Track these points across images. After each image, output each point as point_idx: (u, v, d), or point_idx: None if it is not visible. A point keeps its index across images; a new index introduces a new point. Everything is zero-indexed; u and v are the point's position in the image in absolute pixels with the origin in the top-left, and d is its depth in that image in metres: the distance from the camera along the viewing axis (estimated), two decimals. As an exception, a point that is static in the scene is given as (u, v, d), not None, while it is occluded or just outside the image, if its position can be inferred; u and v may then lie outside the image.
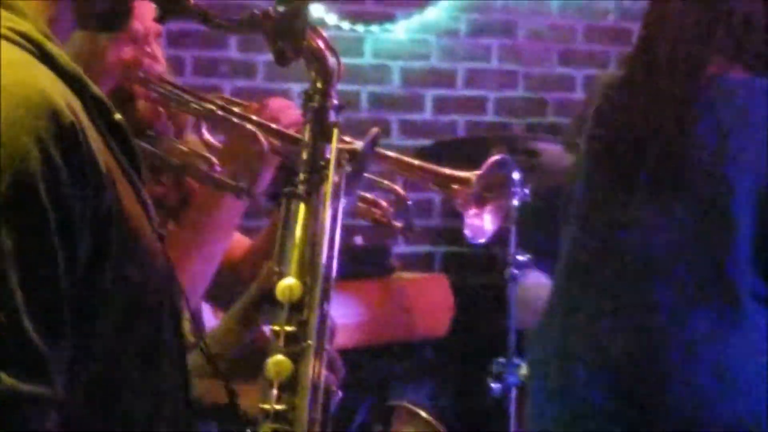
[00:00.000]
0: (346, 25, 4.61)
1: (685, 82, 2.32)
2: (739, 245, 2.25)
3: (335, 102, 1.45)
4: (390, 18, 4.75)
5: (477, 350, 3.87)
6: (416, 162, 2.33)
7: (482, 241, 2.43)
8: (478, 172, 2.29)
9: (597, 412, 2.35)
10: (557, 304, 2.52)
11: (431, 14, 4.81)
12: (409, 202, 2.25)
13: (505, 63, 4.96)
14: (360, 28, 4.66)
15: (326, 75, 1.45)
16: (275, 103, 2.22)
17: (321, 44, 1.44)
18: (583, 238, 2.49)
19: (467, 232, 2.31)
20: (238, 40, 4.48)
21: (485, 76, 4.94)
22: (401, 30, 4.76)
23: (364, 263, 4.13)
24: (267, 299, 1.44)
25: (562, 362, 2.44)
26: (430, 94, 4.86)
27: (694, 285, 2.28)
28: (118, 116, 1.25)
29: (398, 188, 2.24)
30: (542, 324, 2.54)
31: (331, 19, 4.56)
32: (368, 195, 2.23)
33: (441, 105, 4.87)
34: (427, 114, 4.86)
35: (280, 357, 1.38)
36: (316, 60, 1.44)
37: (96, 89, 1.24)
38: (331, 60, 1.45)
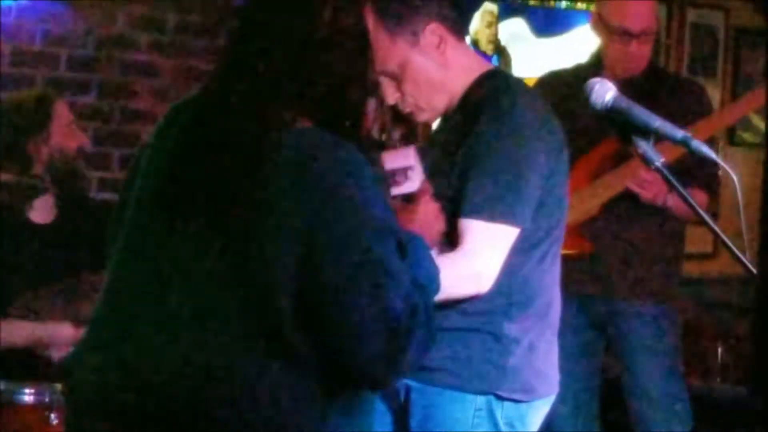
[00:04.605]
0: None
1: (255, 130, 2.26)
2: (281, 305, 2.19)
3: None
4: None
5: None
6: None
7: None
8: None
9: None
10: (96, 335, 2.37)
11: None
12: None
13: None
14: None
15: None
16: None
17: None
18: (127, 264, 2.36)
19: None
20: None
21: None
22: None
23: None
24: None
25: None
26: None
27: (245, 332, 2.21)
28: None
29: None
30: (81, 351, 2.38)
31: None
32: None
33: None
34: None
35: None
36: None
37: None
38: None
